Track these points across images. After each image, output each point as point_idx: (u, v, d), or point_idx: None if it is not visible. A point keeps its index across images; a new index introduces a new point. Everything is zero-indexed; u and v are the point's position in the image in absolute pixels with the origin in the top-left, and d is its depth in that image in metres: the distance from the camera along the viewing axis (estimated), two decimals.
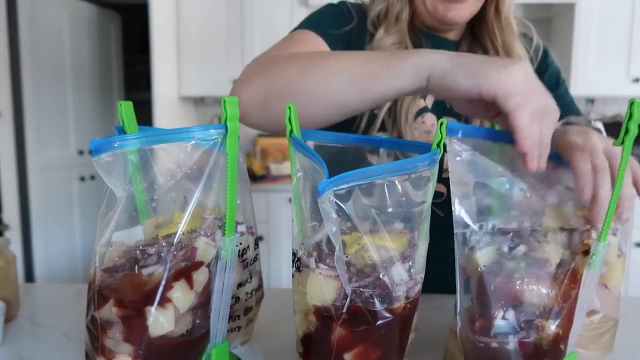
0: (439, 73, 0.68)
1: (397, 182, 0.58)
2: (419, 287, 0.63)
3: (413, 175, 0.59)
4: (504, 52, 1.06)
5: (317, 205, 0.56)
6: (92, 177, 4.18)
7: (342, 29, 1.04)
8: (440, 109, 1.07)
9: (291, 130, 0.65)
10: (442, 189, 1.05)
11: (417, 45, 1.08)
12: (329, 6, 1.11)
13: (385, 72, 0.73)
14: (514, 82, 0.63)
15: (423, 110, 1.06)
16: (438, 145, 0.63)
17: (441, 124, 0.63)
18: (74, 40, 4.01)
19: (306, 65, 0.80)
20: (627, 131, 0.59)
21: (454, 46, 1.12)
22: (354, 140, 0.74)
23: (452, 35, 1.12)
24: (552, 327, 0.64)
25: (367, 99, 0.76)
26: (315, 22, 1.05)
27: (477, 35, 1.10)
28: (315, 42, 1.00)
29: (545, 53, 1.16)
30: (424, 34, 1.10)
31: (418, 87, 0.71)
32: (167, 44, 3.45)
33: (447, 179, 1.03)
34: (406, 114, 1.02)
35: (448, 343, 0.74)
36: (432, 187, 0.62)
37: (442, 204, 1.03)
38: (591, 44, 3.27)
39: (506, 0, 1.03)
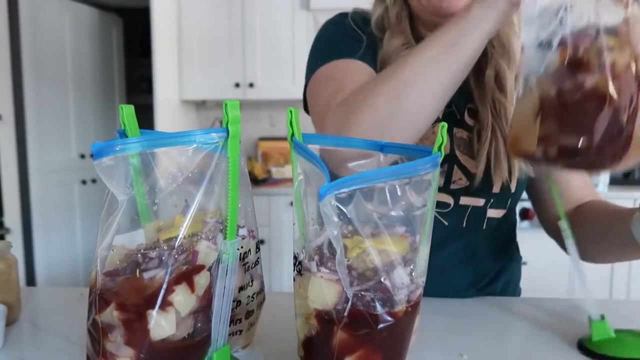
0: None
1: (398, 186, 0.58)
2: (420, 290, 0.64)
3: (414, 179, 0.59)
4: (498, 46, 1.03)
5: (318, 208, 0.56)
6: (94, 181, 4.19)
7: (362, 43, 1.04)
8: (452, 119, 1.05)
9: (292, 134, 0.65)
10: (449, 199, 1.04)
11: None
12: (336, 26, 1.10)
13: (466, 28, 0.77)
14: None
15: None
16: (439, 148, 0.63)
17: (442, 127, 0.63)
18: (76, 43, 4.02)
19: (393, 79, 0.79)
20: None
21: None
22: (354, 144, 0.74)
23: None
24: None
25: (463, 60, 0.78)
26: (337, 50, 1.02)
27: None
28: (358, 69, 0.99)
29: None
30: None
31: (497, 20, 0.76)
32: (168, 48, 3.46)
33: (455, 190, 1.03)
34: None
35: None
36: (433, 190, 0.62)
37: (447, 214, 1.04)
38: None
39: None
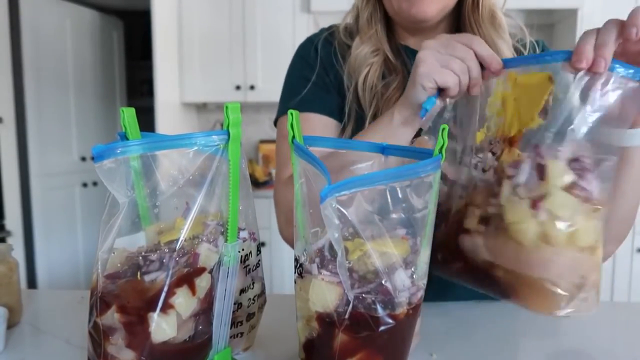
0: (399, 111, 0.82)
1: (399, 188, 0.58)
2: (421, 293, 0.63)
3: (415, 181, 0.59)
4: None
5: (319, 211, 0.56)
6: (95, 184, 4.19)
7: (317, 72, 1.05)
8: None
9: (293, 137, 0.65)
10: None
11: (398, 57, 1.05)
12: (298, 61, 1.11)
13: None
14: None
15: None
16: (440, 150, 0.63)
17: (443, 129, 0.63)
18: (77, 46, 4.02)
19: None
20: None
21: None
22: (355, 147, 0.74)
23: None
24: None
25: None
26: (292, 97, 1.06)
27: None
28: (313, 125, 1.02)
29: None
30: (411, 52, 1.06)
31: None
32: (169, 50, 3.46)
33: None
34: None
35: None
36: (434, 192, 0.62)
37: None
38: None
39: None
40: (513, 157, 0.70)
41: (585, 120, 0.64)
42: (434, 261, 0.75)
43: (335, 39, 1.09)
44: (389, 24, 1.07)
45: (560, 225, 0.65)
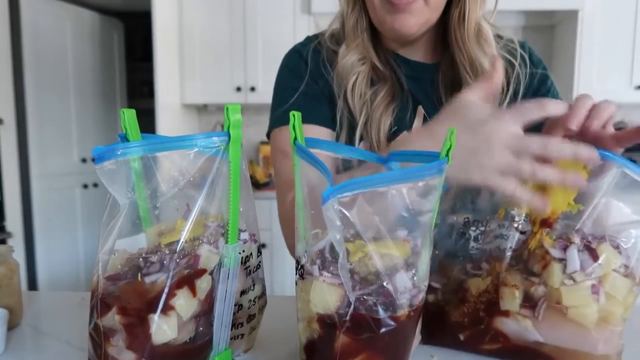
0: None
1: (402, 191, 0.58)
2: (422, 295, 0.63)
3: (419, 184, 0.59)
4: (470, 68, 0.99)
5: (321, 212, 0.55)
6: (95, 185, 4.19)
7: (306, 82, 1.04)
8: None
9: (295, 138, 0.65)
10: None
11: (386, 65, 1.04)
12: (286, 72, 1.10)
13: None
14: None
15: (397, 132, 1.01)
16: (447, 153, 0.62)
17: (451, 132, 0.62)
18: (77, 48, 4.03)
19: None
20: None
21: (433, 70, 1.06)
22: (358, 155, 0.74)
23: (429, 58, 1.07)
24: None
25: None
26: (284, 107, 1.04)
27: (453, 53, 1.02)
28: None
29: (544, 79, 1.07)
30: (401, 60, 1.05)
31: None
32: (170, 52, 3.46)
33: None
34: (377, 137, 0.99)
35: None
36: (437, 195, 0.61)
37: None
38: (594, 50, 3.27)
39: (469, 3, 0.95)
40: (551, 239, 0.71)
41: (612, 206, 0.70)
42: (454, 343, 0.78)
43: (323, 47, 1.07)
44: (375, 31, 1.05)
45: (619, 305, 0.68)
